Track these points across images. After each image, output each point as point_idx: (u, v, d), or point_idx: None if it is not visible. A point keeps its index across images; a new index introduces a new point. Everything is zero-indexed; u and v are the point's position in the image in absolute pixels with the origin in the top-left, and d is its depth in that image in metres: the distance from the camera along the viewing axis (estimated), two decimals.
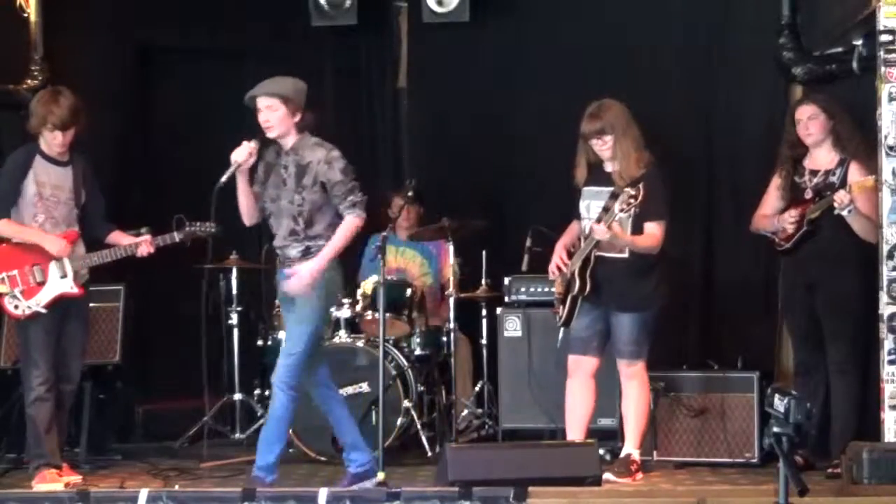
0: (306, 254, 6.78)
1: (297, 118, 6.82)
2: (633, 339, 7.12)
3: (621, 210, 6.86)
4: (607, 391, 7.32)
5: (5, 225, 7.14)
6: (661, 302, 7.19)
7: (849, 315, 7.17)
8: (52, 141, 7.15)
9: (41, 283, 7.12)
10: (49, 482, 7.04)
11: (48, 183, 7.18)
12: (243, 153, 6.77)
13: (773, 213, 7.39)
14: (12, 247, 7.19)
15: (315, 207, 6.79)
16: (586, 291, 7.11)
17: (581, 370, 7.21)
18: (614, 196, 6.99)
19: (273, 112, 6.78)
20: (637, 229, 7.09)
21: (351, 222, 6.80)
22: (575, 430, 7.21)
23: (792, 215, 7.25)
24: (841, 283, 7.17)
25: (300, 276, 6.74)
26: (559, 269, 7.24)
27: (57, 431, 7.21)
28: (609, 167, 7.20)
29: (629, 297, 7.11)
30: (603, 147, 7.15)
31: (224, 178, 6.74)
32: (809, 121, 7.30)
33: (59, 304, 7.17)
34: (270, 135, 6.82)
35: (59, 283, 7.15)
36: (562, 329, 7.33)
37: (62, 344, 7.21)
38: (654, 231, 7.08)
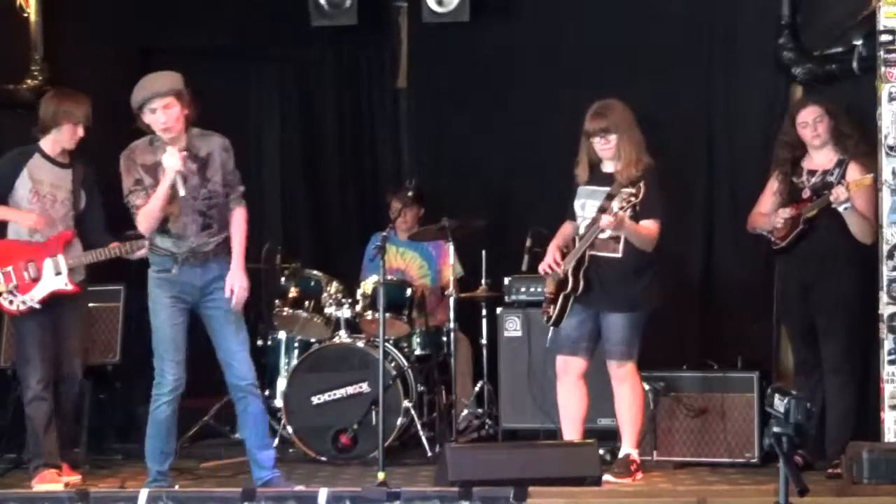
0: (217, 246, 6.68)
1: (187, 112, 6.65)
2: (624, 340, 7.10)
3: (621, 208, 6.86)
4: (607, 391, 7.30)
5: None
6: (652, 303, 7.17)
7: (844, 315, 7.17)
8: (73, 136, 7.22)
9: (35, 280, 7.13)
10: (48, 482, 7.04)
11: (46, 181, 7.22)
12: (176, 161, 6.50)
13: (770, 213, 7.40)
14: (6, 244, 7.22)
15: (221, 198, 6.70)
16: (579, 291, 7.10)
17: (570, 371, 7.20)
18: (610, 197, 6.99)
19: (170, 110, 6.58)
20: None
21: (244, 214, 6.77)
22: (571, 432, 7.21)
23: (787, 212, 7.24)
24: (837, 282, 7.17)
25: (243, 288, 6.67)
26: (551, 268, 7.24)
27: (58, 432, 7.21)
28: (608, 167, 7.20)
29: (620, 296, 7.10)
30: (605, 146, 7.15)
31: (182, 193, 6.50)
32: (816, 122, 7.27)
33: (54, 302, 7.18)
34: (168, 136, 6.57)
35: (54, 279, 7.16)
36: (551, 329, 7.33)
37: (59, 343, 7.22)
38: (651, 226, 7.09)
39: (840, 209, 7.00)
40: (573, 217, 7.30)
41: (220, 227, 6.70)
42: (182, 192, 6.53)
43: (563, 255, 7.23)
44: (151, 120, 6.61)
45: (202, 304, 6.69)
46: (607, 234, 7.02)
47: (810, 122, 7.30)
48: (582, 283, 7.09)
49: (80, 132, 7.24)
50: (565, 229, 7.38)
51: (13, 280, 7.12)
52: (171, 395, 6.62)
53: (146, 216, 6.57)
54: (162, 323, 6.61)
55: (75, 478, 7.23)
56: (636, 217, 7.02)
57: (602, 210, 7.00)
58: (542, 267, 7.29)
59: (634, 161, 7.09)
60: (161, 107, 6.57)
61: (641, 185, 6.89)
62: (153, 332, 6.65)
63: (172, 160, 6.52)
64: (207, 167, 6.68)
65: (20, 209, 7.18)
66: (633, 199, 6.85)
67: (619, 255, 7.10)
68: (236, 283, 6.65)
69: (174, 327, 6.61)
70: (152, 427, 6.66)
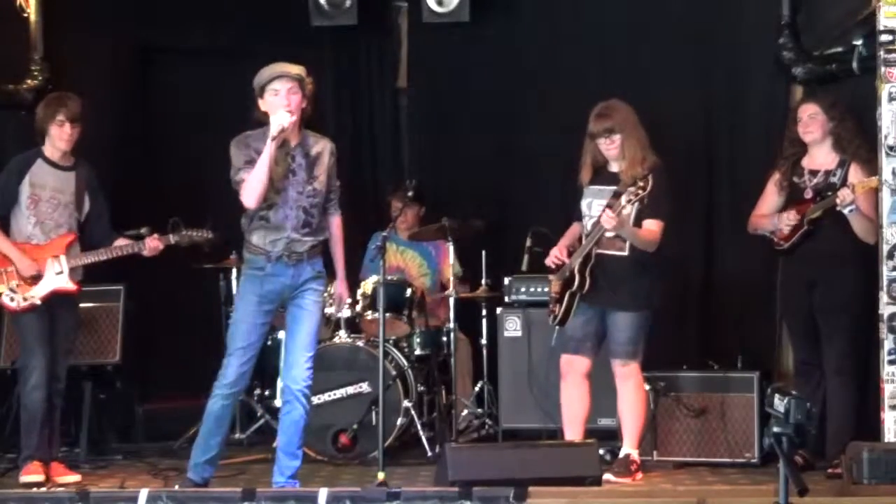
0: (312, 248, 6.66)
1: (305, 107, 6.61)
2: (629, 339, 7.11)
3: (629, 201, 6.86)
4: (607, 391, 7.31)
5: None
6: (657, 303, 7.19)
7: (847, 315, 7.18)
8: (62, 136, 7.21)
9: (36, 279, 7.18)
10: (32, 474, 7.08)
11: (48, 186, 7.25)
12: (287, 118, 6.46)
13: (771, 213, 7.41)
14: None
15: (322, 199, 6.70)
16: (585, 288, 7.11)
17: (574, 370, 7.21)
18: (617, 195, 7.00)
19: (293, 95, 6.54)
20: (637, 226, 7.09)
21: (341, 222, 6.80)
22: (572, 431, 7.21)
23: (791, 216, 7.26)
24: (840, 282, 7.17)
25: (343, 303, 6.98)
26: (557, 260, 7.24)
27: (49, 428, 7.24)
28: (614, 167, 7.21)
29: (626, 295, 7.11)
30: (611, 146, 7.16)
31: (274, 134, 6.39)
32: (809, 119, 7.32)
33: (53, 301, 7.21)
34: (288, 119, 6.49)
35: (55, 278, 7.21)
36: (556, 328, 7.33)
37: (53, 341, 7.23)
38: (653, 227, 7.09)
39: (845, 211, 7.00)
40: (580, 218, 7.30)
41: (317, 230, 6.67)
42: (286, 123, 6.40)
43: (570, 254, 7.24)
44: (272, 102, 6.54)
45: (290, 302, 6.67)
46: (615, 223, 7.02)
47: (804, 118, 7.34)
48: (588, 281, 7.10)
49: (68, 129, 7.22)
50: (573, 230, 7.39)
51: (15, 278, 7.16)
52: (228, 389, 6.61)
53: (252, 181, 6.44)
54: (240, 317, 6.63)
55: (75, 478, 7.24)
56: (642, 213, 7.03)
57: (609, 207, 7.01)
58: (549, 261, 7.30)
59: (640, 160, 7.10)
60: (286, 89, 6.53)
61: (650, 177, 6.90)
62: (230, 325, 6.71)
63: (282, 116, 6.45)
64: (315, 165, 6.65)
65: (18, 215, 7.21)
66: (640, 191, 6.86)
67: (626, 252, 7.11)
68: (344, 295, 6.94)
69: (249, 324, 6.59)
70: (205, 417, 6.67)
